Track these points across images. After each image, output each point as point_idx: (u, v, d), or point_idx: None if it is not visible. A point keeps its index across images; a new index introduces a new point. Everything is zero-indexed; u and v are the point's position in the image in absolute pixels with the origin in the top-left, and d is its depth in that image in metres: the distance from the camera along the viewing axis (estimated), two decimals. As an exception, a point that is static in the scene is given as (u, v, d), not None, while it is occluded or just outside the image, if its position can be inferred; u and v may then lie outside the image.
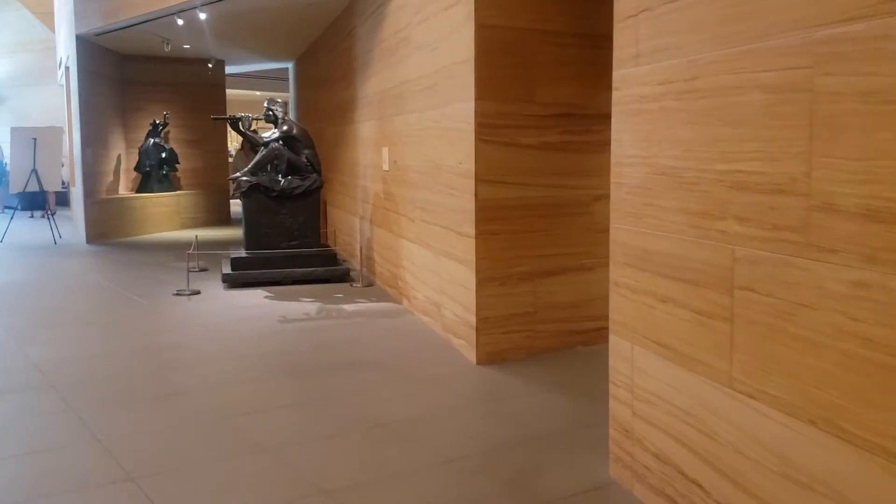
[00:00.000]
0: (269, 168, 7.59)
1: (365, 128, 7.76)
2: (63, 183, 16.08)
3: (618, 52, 2.87)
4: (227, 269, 7.38)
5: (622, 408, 2.95)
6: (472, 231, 4.60)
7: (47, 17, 16.89)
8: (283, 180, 7.49)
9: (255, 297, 6.82)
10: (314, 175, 7.68)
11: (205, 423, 3.70)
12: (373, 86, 7.31)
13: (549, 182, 4.79)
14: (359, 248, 7.84)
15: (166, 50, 11.21)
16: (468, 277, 4.69)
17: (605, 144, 5.02)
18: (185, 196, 13.15)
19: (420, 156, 5.69)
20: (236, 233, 12.11)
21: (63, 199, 16.94)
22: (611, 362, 3.01)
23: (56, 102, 16.35)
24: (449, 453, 3.30)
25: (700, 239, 2.43)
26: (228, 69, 14.24)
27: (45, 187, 11.62)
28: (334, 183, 9.66)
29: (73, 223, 13.45)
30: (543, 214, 4.79)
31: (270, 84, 20.73)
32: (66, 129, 14.01)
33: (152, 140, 12.61)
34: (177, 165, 13.02)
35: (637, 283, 2.80)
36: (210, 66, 13.13)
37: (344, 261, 8.22)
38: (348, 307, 6.37)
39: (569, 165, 4.85)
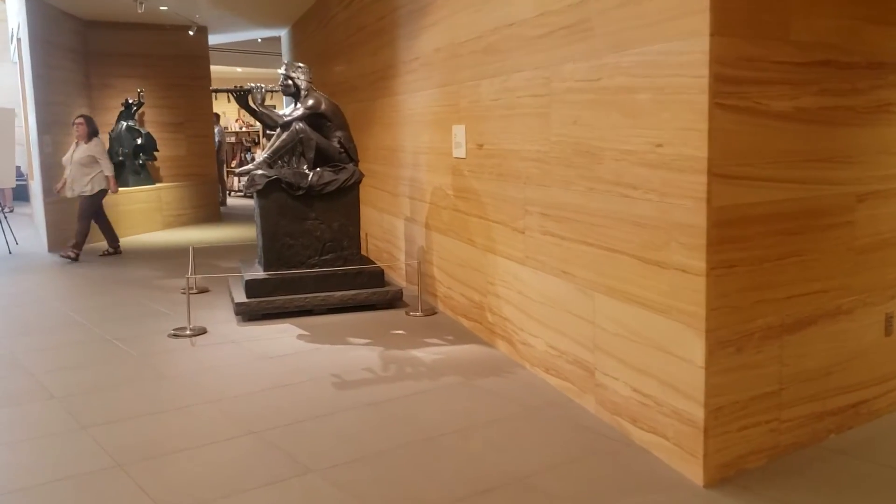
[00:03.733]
0: (291, 157, 5.61)
1: (415, 101, 5.81)
2: (21, 175, 13.92)
3: None
4: (240, 296, 5.42)
5: None
6: (697, 262, 2.71)
7: (-5, -15, 14.59)
8: (310, 173, 5.53)
9: (285, 338, 4.89)
10: (350, 165, 5.73)
11: None
12: (430, 42, 5.36)
13: (804, 174, 2.91)
14: (409, 263, 5.93)
15: (140, 11, 9.10)
16: (683, 340, 2.81)
17: (874, 111, 3.16)
18: (167, 190, 11.06)
19: (542, 135, 3.79)
20: (233, 233, 10.11)
21: (23, 193, 14.73)
22: None
23: (11, 84, 14.11)
24: None
25: None
26: (210, 39, 12.13)
27: (-4, 183, 9.50)
28: (360, 172, 7.69)
29: (34, 224, 11.35)
30: (795, 229, 2.91)
31: (254, 59, 18.55)
32: (22, 112, 11.84)
33: (125, 123, 10.49)
34: (155, 153, 10.92)
35: None
36: (191, 32, 11.01)
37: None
38: (422, 354, 4.46)
39: (828, 146, 2.97)
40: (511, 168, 4.18)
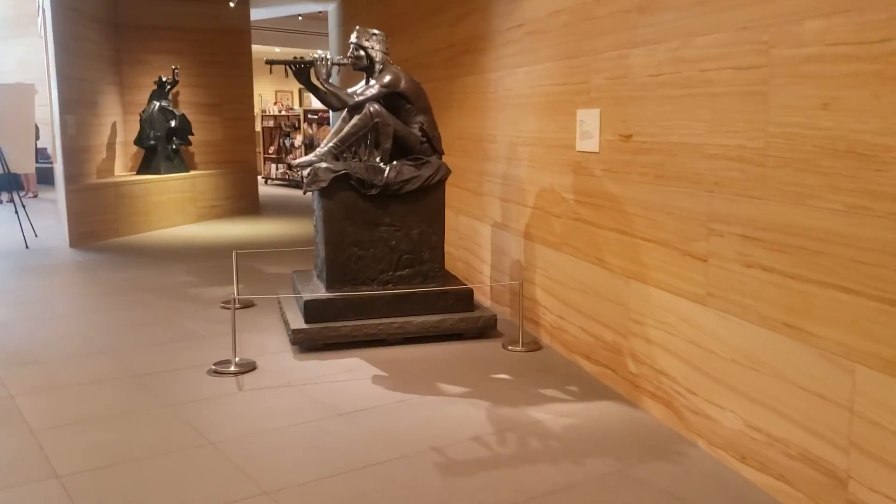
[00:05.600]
0: (362, 147, 4.51)
1: (515, 79, 4.68)
2: (48, 157, 13.00)
3: None
4: (297, 321, 4.34)
5: None
6: None
7: (23, -48, 13.64)
8: (387, 168, 4.42)
9: (357, 380, 3.80)
10: (433, 158, 4.61)
11: None
12: (544, 3, 4.21)
13: None
14: (505, 283, 4.81)
15: (176, -23, 8.06)
16: None
17: None
18: (202, 178, 10.03)
19: (750, 123, 2.63)
20: (275, 229, 9.05)
21: (51, 177, 13.79)
22: None
23: (38, 59, 13.20)
24: None
25: None
26: (253, 14, 11.07)
27: (13, 169, 8.50)
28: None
29: (58, 213, 10.40)
30: None
31: (295, 39, 17.52)
32: (47, 90, 10.89)
33: (158, 103, 9.49)
34: (190, 137, 9.91)
35: None
36: (232, 4, 9.95)
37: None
38: (546, 416, 3.34)
39: None
40: (684, 168, 3.03)
